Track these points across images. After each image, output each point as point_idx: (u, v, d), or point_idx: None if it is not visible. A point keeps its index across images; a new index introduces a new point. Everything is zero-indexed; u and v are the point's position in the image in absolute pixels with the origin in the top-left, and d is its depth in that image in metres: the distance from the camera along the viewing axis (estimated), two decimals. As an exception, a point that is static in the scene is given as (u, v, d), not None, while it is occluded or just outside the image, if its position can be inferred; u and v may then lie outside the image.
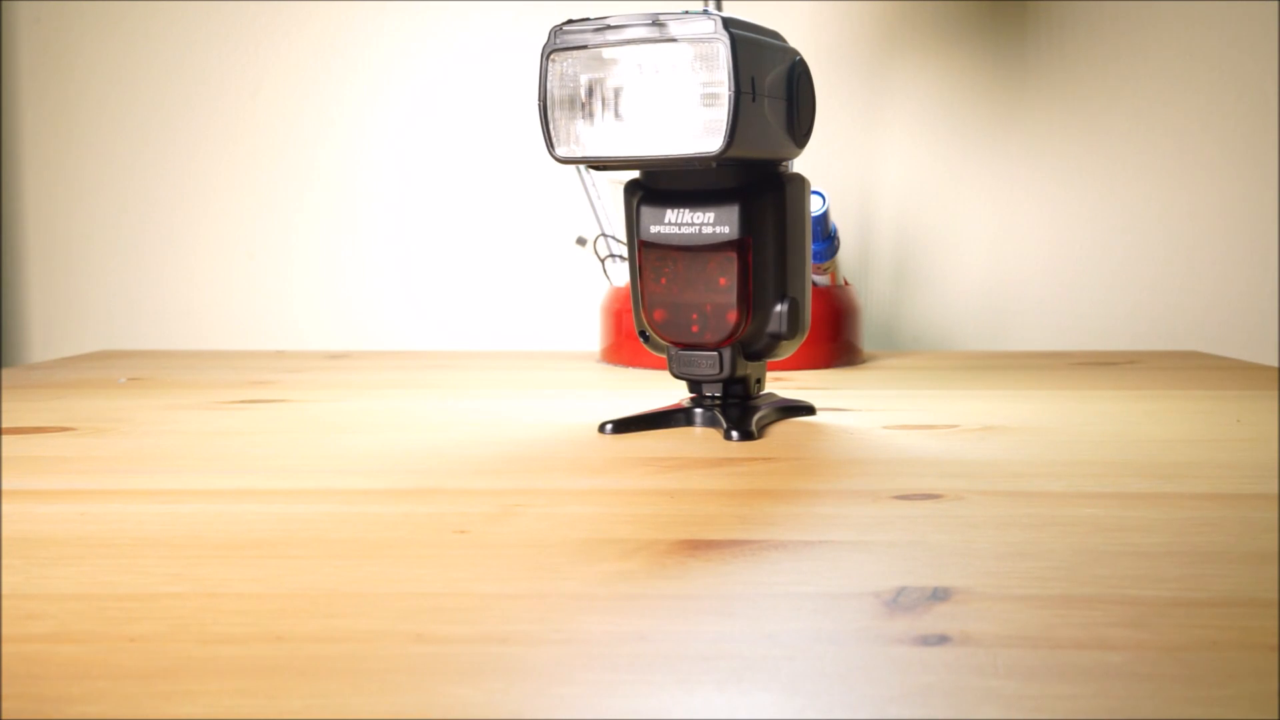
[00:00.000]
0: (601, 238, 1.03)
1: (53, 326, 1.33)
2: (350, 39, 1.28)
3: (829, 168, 1.24)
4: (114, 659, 0.29)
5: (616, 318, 1.02)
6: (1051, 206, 1.26)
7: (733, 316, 0.63)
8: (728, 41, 0.57)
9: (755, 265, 0.63)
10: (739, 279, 0.62)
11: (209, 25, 1.29)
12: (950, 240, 1.26)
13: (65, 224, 1.32)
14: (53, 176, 1.31)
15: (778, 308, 0.64)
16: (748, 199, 0.62)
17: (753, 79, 0.59)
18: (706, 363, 0.64)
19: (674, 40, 0.59)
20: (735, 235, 0.62)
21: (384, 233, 1.30)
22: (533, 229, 1.27)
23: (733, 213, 0.62)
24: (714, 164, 0.59)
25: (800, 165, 0.69)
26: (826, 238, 0.97)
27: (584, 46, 0.61)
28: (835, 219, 1.00)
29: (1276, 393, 0.80)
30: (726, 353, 0.64)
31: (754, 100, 0.59)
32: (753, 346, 0.65)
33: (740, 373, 0.65)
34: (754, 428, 0.63)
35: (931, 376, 0.93)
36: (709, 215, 0.63)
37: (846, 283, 1.05)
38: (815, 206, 0.94)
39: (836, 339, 1.01)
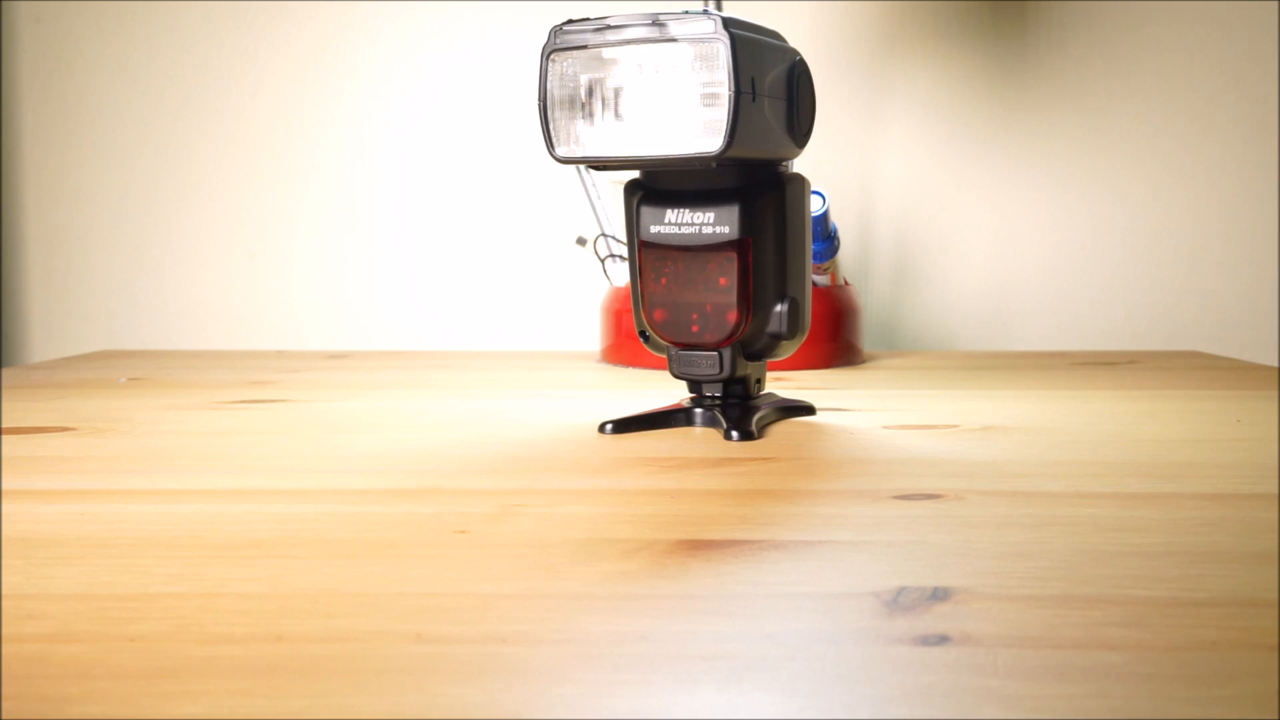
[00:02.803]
0: (601, 238, 1.03)
1: (53, 326, 1.33)
2: (350, 39, 1.28)
3: (829, 168, 1.24)
4: (114, 659, 0.29)
5: (616, 318, 1.02)
6: (1051, 206, 1.26)
7: (733, 316, 0.63)
8: (728, 41, 0.57)
9: (755, 265, 0.63)
10: (739, 279, 0.62)
11: (209, 25, 1.29)
12: (950, 240, 1.26)
13: (65, 224, 1.32)
14: (53, 176, 1.31)
15: (778, 308, 0.64)
16: (748, 199, 0.62)
17: (753, 79, 0.59)
18: (706, 363, 0.64)
19: (674, 40, 0.59)
20: (735, 235, 0.62)
21: (384, 233, 1.30)
22: (533, 229, 1.27)
23: (733, 213, 0.62)
24: (714, 164, 0.59)
25: (800, 165, 0.69)
26: (826, 238, 0.97)
27: (584, 46, 0.61)
28: (835, 219, 1.00)
29: (1276, 393, 0.80)
30: (726, 353, 0.64)
31: (754, 100, 0.59)
32: (753, 346, 0.65)
33: (740, 373, 0.65)
34: (754, 428, 0.63)
35: (931, 376, 0.93)
36: (709, 215, 0.62)
37: (846, 283, 1.05)
38: (815, 206, 0.94)
39: (836, 339, 1.01)
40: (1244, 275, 1.24)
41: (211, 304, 1.31)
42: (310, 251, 1.30)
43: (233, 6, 1.28)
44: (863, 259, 1.26)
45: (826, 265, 1.00)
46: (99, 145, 1.31)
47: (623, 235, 0.90)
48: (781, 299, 0.64)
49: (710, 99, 0.58)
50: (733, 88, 0.57)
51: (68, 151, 1.31)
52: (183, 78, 1.29)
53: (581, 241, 1.06)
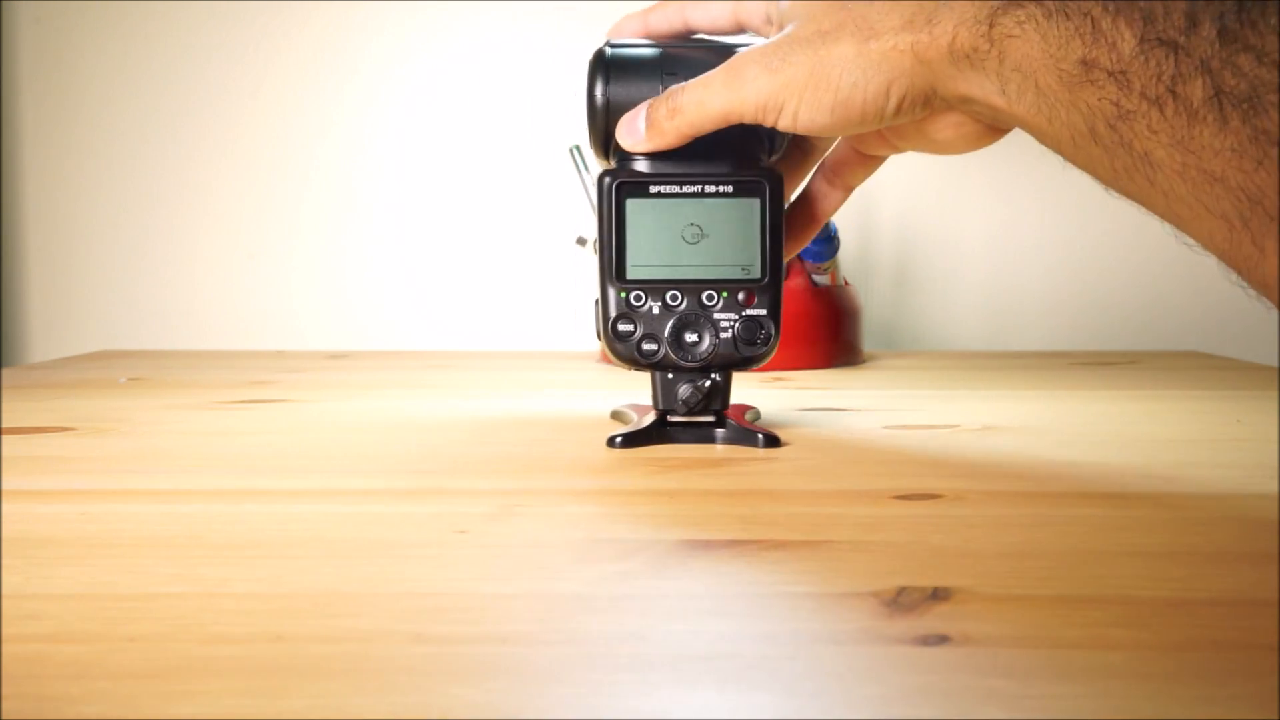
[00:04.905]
0: (601, 238, 1.03)
1: (53, 326, 1.33)
2: (350, 39, 1.28)
3: (829, 168, 1.24)
4: (114, 659, 0.29)
5: (616, 318, 1.01)
6: (1052, 206, 1.26)
7: None
8: None
9: None
10: None
11: (208, 25, 1.29)
12: (950, 240, 1.26)
13: (65, 224, 1.32)
14: (53, 176, 1.31)
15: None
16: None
17: None
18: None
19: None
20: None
21: (384, 232, 1.30)
22: (533, 229, 1.27)
23: None
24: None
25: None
26: (826, 238, 0.97)
27: None
28: (835, 219, 1.00)
29: (1276, 393, 0.80)
30: None
31: None
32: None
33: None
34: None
35: (931, 376, 0.93)
36: None
37: (846, 283, 1.05)
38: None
39: (836, 339, 1.01)
40: (1244, 275, 1.24)
41: (211, 304, 1.31)
42: (310, 251, 1.30)
43: (233, 6, 1.28)
44: (863, 259, 1.26)
45: (826, 265, 1.00)
46: (99, 145, 1.31)
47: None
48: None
49: None
50: None
51: (68, 151, 1.31)
52: (183, 78, 1.29)
53: (581, 241, 1.06)
